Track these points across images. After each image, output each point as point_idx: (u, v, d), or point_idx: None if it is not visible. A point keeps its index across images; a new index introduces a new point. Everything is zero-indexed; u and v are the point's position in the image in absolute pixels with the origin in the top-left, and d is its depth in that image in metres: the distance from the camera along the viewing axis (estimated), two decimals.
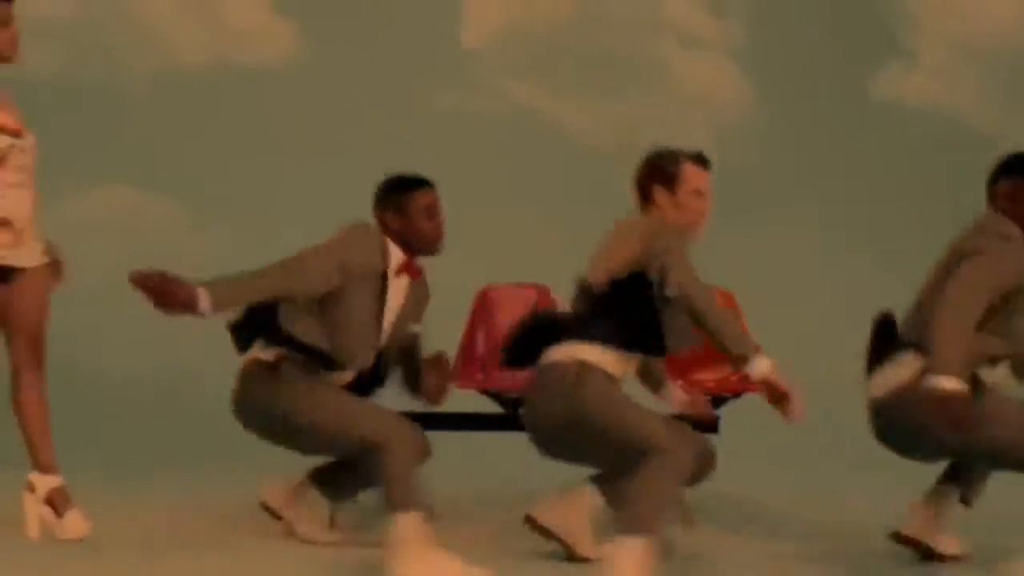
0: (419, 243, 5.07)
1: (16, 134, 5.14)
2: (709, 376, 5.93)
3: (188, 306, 4.44)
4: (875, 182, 9.75)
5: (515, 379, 5.64)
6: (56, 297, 5.54)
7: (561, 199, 9.25)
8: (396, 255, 5.06)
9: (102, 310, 9.14)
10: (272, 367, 4.93)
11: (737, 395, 5.80)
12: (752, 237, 9.23)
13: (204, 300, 4.49)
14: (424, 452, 4.91)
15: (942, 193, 9.50)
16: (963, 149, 9.69)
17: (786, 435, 6.83)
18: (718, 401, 5.73)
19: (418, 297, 5.20)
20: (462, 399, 6.00)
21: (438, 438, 5.25)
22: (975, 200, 9.33)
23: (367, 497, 5.26)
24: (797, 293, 9.18)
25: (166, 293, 4.42)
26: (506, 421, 5.78)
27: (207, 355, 8.57)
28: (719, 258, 8.44)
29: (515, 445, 5.50)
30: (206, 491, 6.23)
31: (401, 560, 4.59)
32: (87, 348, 9.19)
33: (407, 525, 4.59)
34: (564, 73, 10.22)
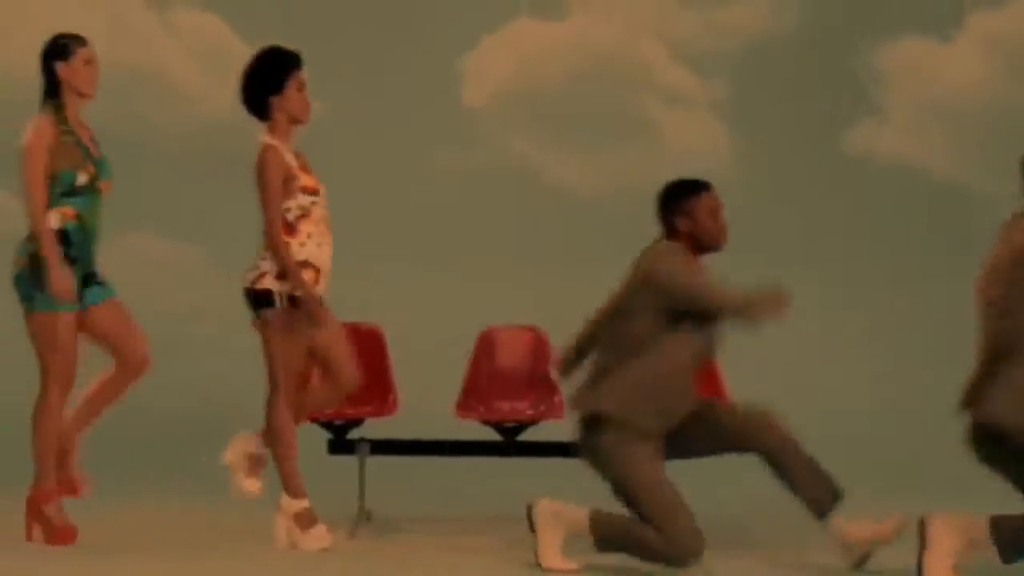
0: (708, 242, 5.48)
1: (315, 192, 5.82)
2: None
3: None
4: (848, 230, 9.98)
5: (511, 411, 6.29)
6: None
7: (558, 247, 9.57)
8: None
9: None
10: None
11: None
12: (732, 280, 9.47)
13: None
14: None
15: (910, 239, 9.84)
16: (930, 200, 9.99)
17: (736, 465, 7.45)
18: None
19: None
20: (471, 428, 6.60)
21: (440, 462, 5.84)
22: (940, 245, 9.74)
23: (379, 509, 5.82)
24: (773, 331, 9.47)
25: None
26: (503, 447, 6.43)
27: (212, 391, 9.07)
28: None
29: (511, 467, 6.11)
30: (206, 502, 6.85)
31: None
32: None
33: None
34: (559, 129, 10.49)
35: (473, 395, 6.72)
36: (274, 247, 5.67)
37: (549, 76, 10.63)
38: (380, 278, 9.18)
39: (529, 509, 5.27)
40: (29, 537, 5.75)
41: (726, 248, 9.35)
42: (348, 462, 6.46)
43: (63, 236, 5.79)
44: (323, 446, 6.46)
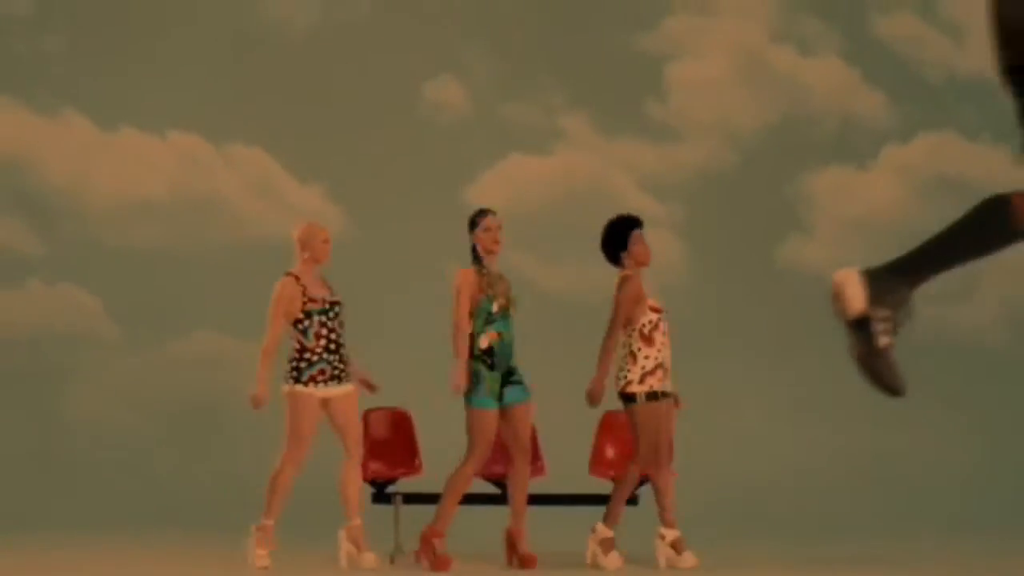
0: None
1: (659, 311, 7.70)
2: None
3: None
4: (779, 329, 11.19)
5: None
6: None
7: (546, 341, 10.14)
8: None
9: (202, 423, 10.94)
10: None
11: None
12: (687, 368, 10.56)
13: None
14: None
15: (828, 336, 10.83)
16: None
17: (692, 508, 9.07)
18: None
19: None
20: None
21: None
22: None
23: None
24: (721, 408, 10.70)
25: None
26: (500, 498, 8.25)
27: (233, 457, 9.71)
28: None
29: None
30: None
31: None
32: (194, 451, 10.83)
33: None
34: (547, 245, 11.55)
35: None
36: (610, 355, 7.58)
37: (538, 202, 11.67)
38: (403, 364, 9.79)
39: None
40: (420, 561, 7.56)
41: (677, 340, 10.39)
42: (386, 509, 8.19)
43: (489, 352, 7.65)
44: (368, 497, 8.11)
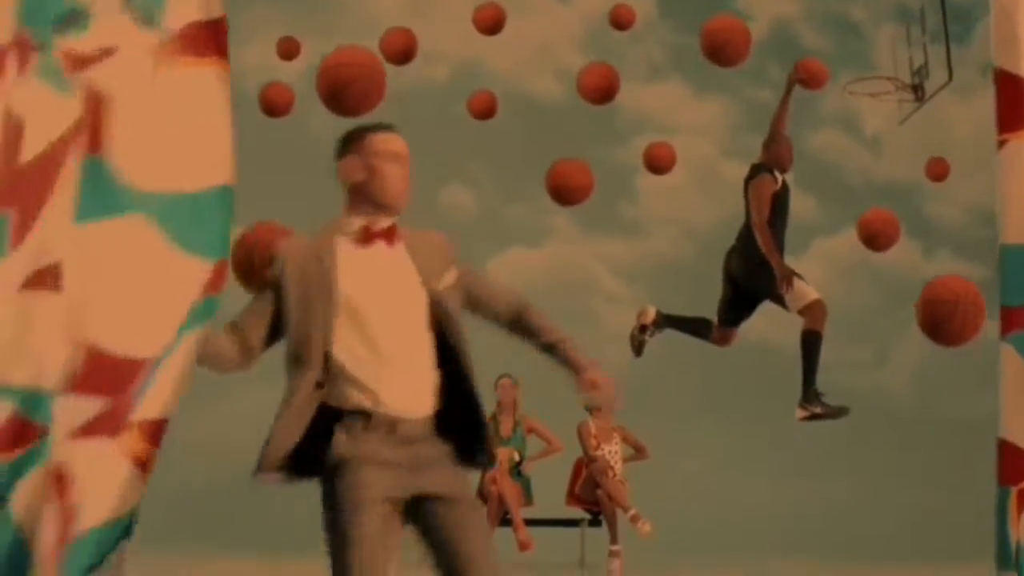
0: None
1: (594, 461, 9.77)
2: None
3: None
4: (725, 393, 12.31)
5: None
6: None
7: (534, 399, 11.02)
8: None
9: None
10: None
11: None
12: (647, 424, 11.54)
13: None
14: None
15: (767, 401, 11.34)
16: (784, 372, 10.60)
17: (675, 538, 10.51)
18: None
19: None
20: None
21: None
22: (788, 404, 12.26)
23: None
24: (675, 457, 12.02)
25: None
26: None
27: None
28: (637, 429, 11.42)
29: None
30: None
31: None
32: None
33: None
34: None
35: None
36: None
37: (532, 285, 12.76)
38: None
39: None
40: None
41: (642, 401, 12.11)
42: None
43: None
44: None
